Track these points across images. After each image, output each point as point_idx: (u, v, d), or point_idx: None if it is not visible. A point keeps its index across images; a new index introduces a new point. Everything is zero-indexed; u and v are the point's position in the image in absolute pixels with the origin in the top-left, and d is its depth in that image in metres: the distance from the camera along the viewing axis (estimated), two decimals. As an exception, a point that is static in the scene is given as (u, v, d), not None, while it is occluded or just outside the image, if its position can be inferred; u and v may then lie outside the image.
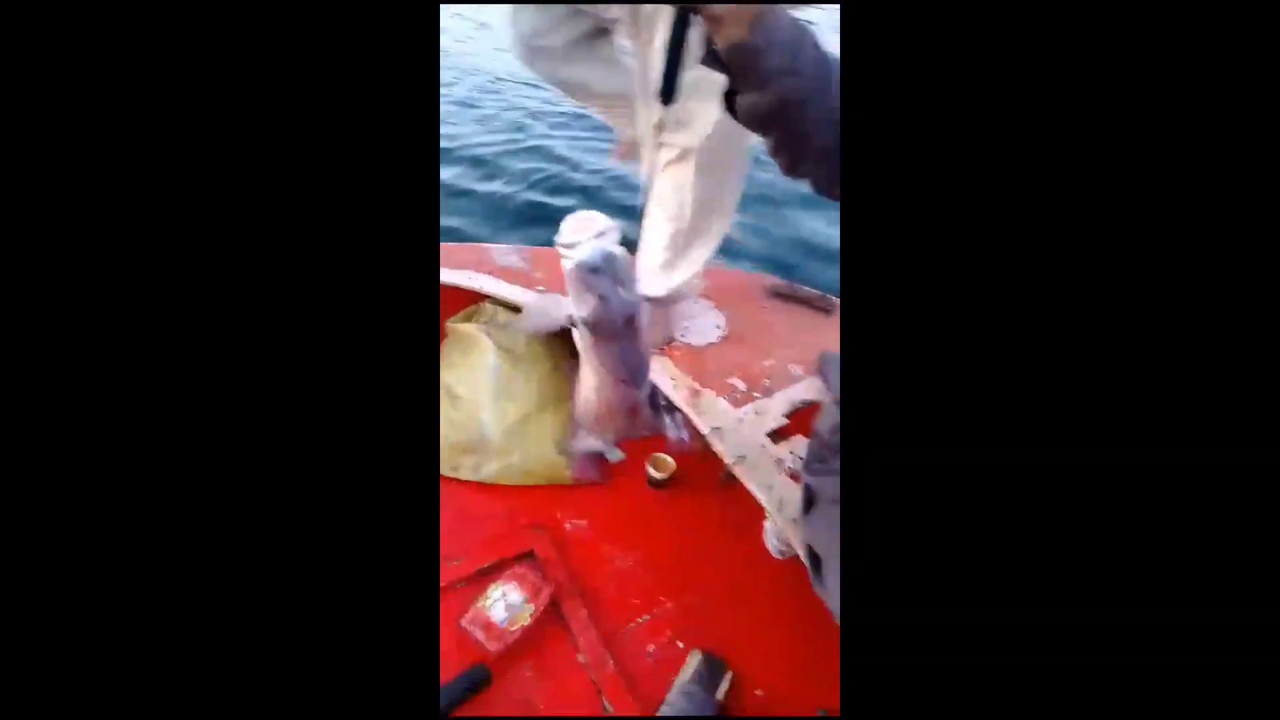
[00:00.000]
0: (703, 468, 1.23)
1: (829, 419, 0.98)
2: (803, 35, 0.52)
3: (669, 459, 1.28)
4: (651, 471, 1.28)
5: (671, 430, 1.35)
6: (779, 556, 1.18)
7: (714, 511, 1.21)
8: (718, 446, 1.04)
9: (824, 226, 2.71)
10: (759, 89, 0.52)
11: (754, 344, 1.23)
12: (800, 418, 1.11)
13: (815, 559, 0.82)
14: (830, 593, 0.76)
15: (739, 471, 1.01)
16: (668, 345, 1.20)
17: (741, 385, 1.14)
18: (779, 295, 1.35)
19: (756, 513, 1.08)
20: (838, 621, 0.73)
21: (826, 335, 1.27)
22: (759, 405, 1.11)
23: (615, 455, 1.40)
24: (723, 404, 1.10)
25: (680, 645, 1.01)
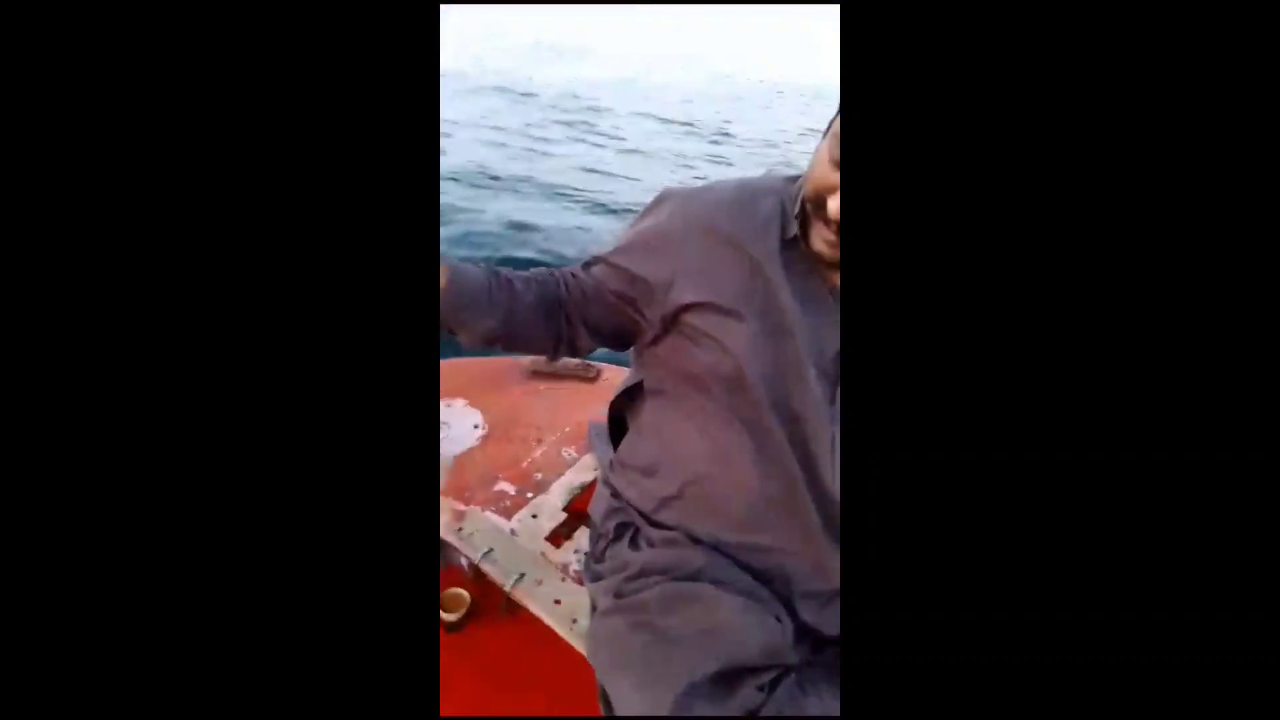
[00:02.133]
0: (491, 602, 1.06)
1: (600, 503, 0.87)
2: (482, 281, 0.64)
3: (461, 593, 1.09)
4: (444, 616, 1.07)
5: (459, 558, 1.16)
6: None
7: (528, 634, 1.04)
8: (493, 574, 0.88)
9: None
10: (467, 332, 0.65)
11: (519, 436, 1.10)
12: (583, 504, 1.00)
13: (601, 690, 0.68)
14: None
15: (518, 595, 0.86)
16: None
17: (510, 489, 1.00)
18: (539, 375, 1.25)
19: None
20: None
21: (595, 405, 1.19)
22: (534, 505, 0.97)
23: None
24: (490, 519, 0.95)
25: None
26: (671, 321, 0.68)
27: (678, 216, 0.68)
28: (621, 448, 0.85)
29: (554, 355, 0.74)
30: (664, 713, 0.56)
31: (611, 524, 0.81)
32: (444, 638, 1.06)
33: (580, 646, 0.83)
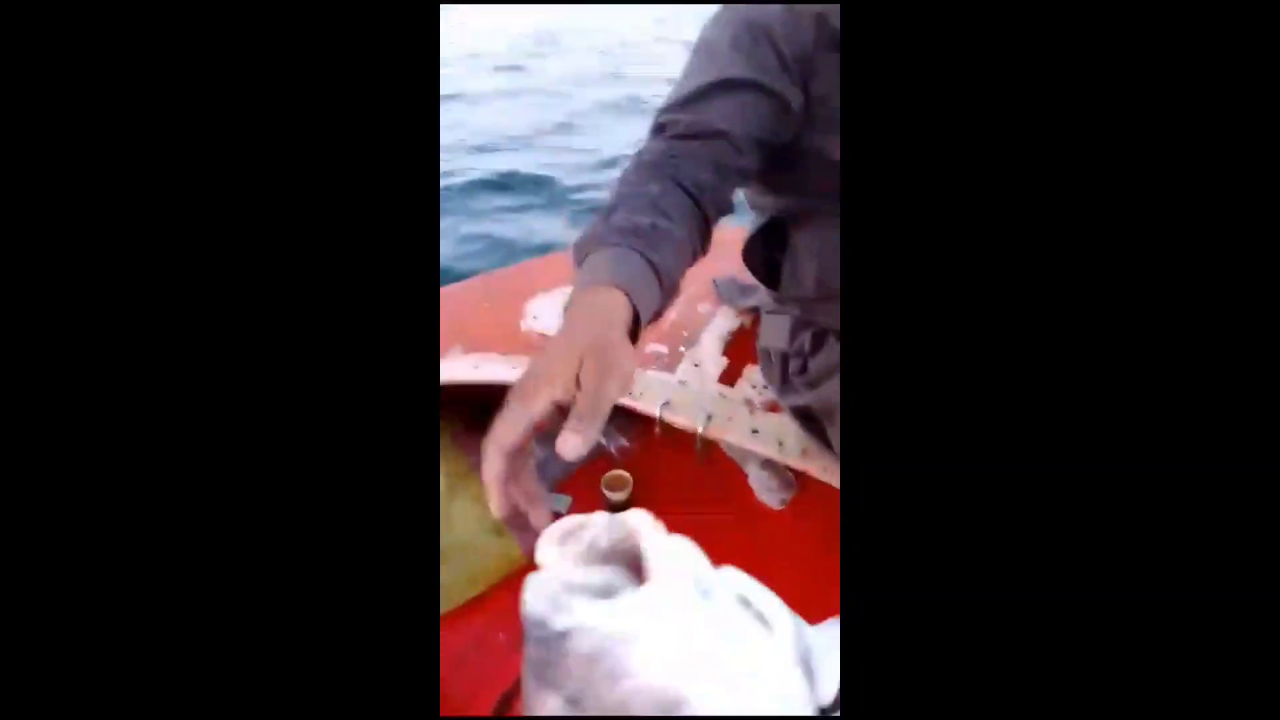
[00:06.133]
0: (663, 462, 1.05)
1: (777, 329, 0.85)
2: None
3: (623, 474, 1.09)
4: (609, 495, 1.07)
5: (609, 443, 1.15)
6: (780, 506, 1.03)
7: (696, 502, 1.04)
8: (678, 421, 0.87)
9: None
10: None
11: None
12: (738, 349, 0.98)
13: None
14: None
15: (713, 434, 0.85)
16: None
17: (662, 348, 0.98)
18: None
19: (736, 477, 0.92)
20: None
21: (712, 264, 1.16)
22: (691, 356, 0.96)
23: (562, 503, 1.17)
24: (656, 376, 0.93)
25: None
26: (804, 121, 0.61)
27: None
28: (783, 283, 0.83)
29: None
30: None
31: (805, 336, 0.80)
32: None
33: (794, 464, 0.82)
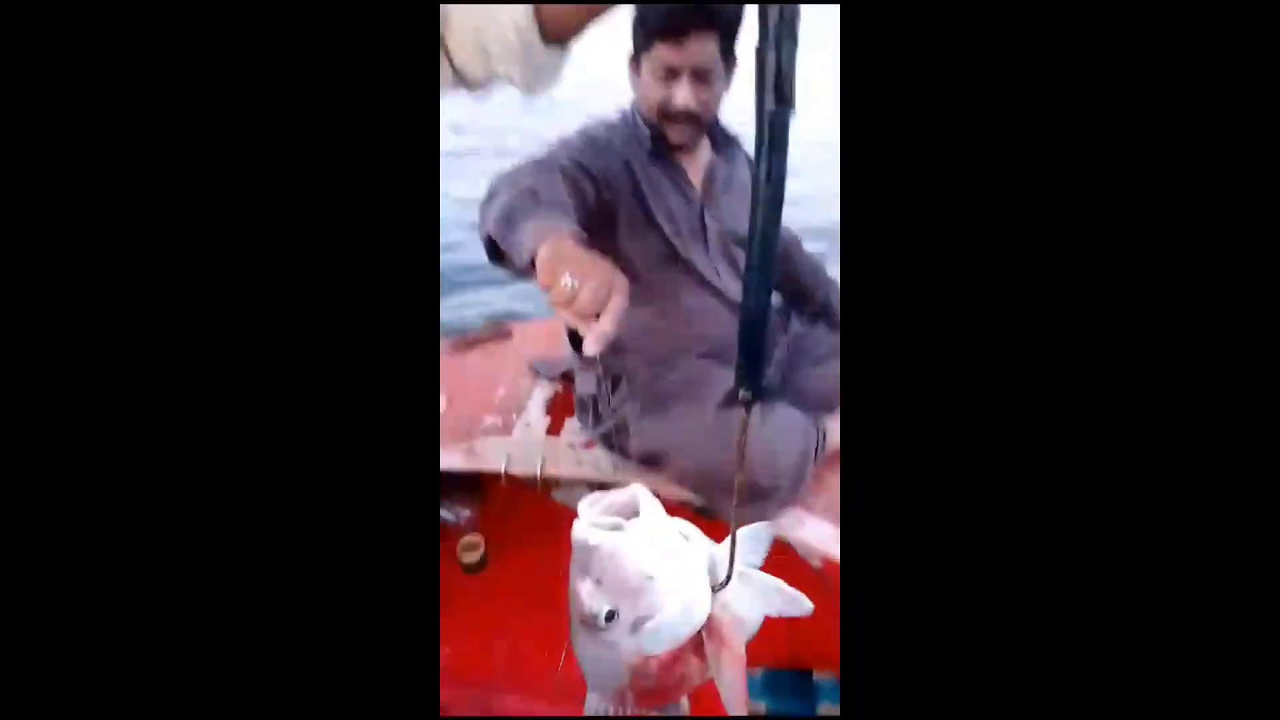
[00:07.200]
0: (508, 514, 1.23)
1: (584, 382, 1.12)
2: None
3: (474, 537, 1.23)
4: (464, 558, 1.20)
5: (450, 516, 1.29)
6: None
7: (541, 541, 1.22)
8: (520, 470, 1.08)
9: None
10: None
11: (479, 389, 1.28)
12: (557, 408, 1.23)
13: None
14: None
15: (549, 472, 1.07)
16: None
17: (497, 419, 1.19)
18: (460, 347, 1.42)
19: (570, 516, 1.14)
20: None
21: (526, 350, 1.41)
22: (523, 419, 1.18)
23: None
24: (493, 440, 1.14)
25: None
26: None
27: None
28: (584, 346, 1.11)
29: None
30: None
31: (607, 381, 1.08)
32: (472, 580, 1.19)
33: (609, 480, 1.07)
